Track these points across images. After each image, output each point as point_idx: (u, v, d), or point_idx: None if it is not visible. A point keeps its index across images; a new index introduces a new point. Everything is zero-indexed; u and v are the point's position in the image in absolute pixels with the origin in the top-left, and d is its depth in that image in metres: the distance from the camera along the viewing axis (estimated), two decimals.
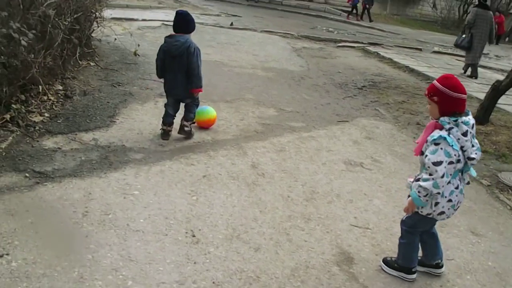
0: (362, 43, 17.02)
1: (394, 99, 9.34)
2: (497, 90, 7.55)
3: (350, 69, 12.29)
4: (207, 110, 6.33)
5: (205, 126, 6.30)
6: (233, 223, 4.09)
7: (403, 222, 3.60)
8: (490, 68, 15.69)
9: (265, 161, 5.48)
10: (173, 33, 5.54)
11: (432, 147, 3.16)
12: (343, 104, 8.60)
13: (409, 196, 3.36)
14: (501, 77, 13.02)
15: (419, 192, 3.23)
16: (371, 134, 6.98)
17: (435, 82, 3.25)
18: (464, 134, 3.15)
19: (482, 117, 7.69)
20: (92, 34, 9.07)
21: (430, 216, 3.36)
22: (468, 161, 3.24)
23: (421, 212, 3.36)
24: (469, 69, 13.12)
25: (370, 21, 27.52)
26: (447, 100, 3.16)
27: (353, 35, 20.28)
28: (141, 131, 5.87)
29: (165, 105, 5.80)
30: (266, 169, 5.28)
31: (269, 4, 29.36)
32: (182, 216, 4.07)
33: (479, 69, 13.37)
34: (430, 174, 3.16)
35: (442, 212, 3.34)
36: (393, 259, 3.73)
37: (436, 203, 3.29)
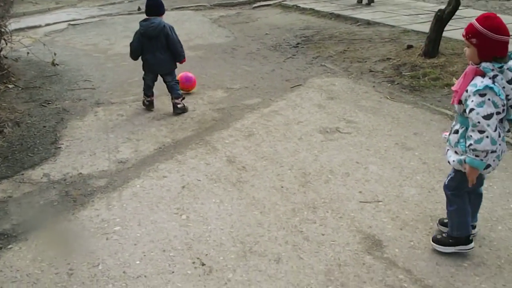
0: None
1: (334, 50, 8.99)
2: (441, 20, 7.30)
3: (276, 28, 11.85)
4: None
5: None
6: (239, 236, 3.61)
7: (446, 187, 3.22)
8: None
9: (239, 152, 5.00)
10: (147, 17, 5.98)
11: (477, 99, 2.75)
12: (287, 67, 8.18)
13: (464, 161, 2.94)
14: (425, 4, 13.00)
15: (477, 156, 2.82)
16: (330, 93, 6.60)
17: (474, 22, 2.80)
18: (510, 81, 2.78)
19: (432, 50, 7.47)
20: (2, 53, 8.15)
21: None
22: (510, 109, 2.88)
23: (465, 169, 2.96)
24: None
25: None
26: (487, 43, 2.73)
27: None
28: (92, 151, 5.25)
29: (144, 79, 6.27)
30: (245, 160, 4.80)
31: None
32: (180, 243, 3.55)
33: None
34: (482, 131, 2.76)
35: (489, 165, 2.95)
36: (443, 234, 3.34)
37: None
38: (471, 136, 2.83)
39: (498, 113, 2.77)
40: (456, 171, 3.08)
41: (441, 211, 3.74)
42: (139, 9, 16.13)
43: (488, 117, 2.73)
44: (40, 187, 4.52)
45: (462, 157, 2.95)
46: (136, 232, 3.69)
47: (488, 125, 2.73)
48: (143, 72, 6.27)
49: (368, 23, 11.24)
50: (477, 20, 2.79)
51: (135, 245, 3.54)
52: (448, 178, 3.20)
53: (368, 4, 13.64)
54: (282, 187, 4.26)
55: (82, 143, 5.44)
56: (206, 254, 3.41)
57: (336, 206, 3.92)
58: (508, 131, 3.06)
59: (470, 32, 2.79)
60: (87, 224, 3.85)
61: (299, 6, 14.17)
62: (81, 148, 5.32)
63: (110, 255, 3.44)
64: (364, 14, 12.26)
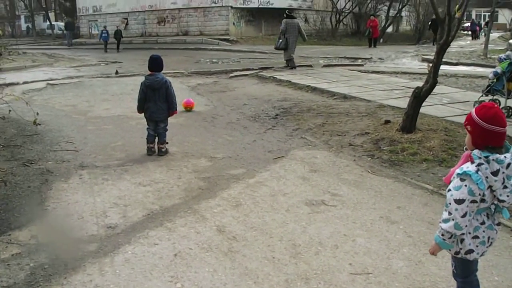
0: (253, 69, 17.02)
1: (313, 123, 9.26)
2: (419, 97, 7.65)
3: (254, 98, 12.16)
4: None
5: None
6: None
7: (455, 275, 3.32)
8: (383, 72, 16.21)
9: (228, 222, 5.08)
10: (150, 72, 7.18)
11: (457, 182, 2.90)
12: (268, 138, 8.38)
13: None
14: (399, 80, 13.52)
15: (442, 235, 2.98)
16: (313, 166, 6.78)
17: (472, 110, 2.99)
18: (495, 173, 2.85)
19: (409, 125, 7.76)
20: None
21: (459, 256, 3.11)
22: (499, 203, 2.97)
23: (451, 252, 3.11)
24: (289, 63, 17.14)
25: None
26: (479, 131, 2.89)
27: (238, 62, 20.31)
28: (80, 215, 5.26)
29: (147, 129, 7.34)
30: (234, 230, 4.88)
31: (144, 44, 28.99)
32: None
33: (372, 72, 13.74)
34: (450, 213, 2.91)
35: (471, 250, 3.06)
36: None
37: (462, 240, 3.03)
38: (443, 214, 2.99)
39: (474, 201, 2.86)
40: (454, 259, 3.19)
41: (429, 283, 3.88)
42: (116, 72, 16.41)
43: (459, 201, 2.85)
44: (28, 249, 4.50)
45: (435, 235, 3.07)
46: None
47: (456, 209, 2.86)
48: (146, 123, 7.38)
49: (345, 97, 11.63)
50: (475, 108, 2.98)
51: None
52: (453, 267, 3.29)
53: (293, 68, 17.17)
54: (273, 257, 4.34)
55: (69, 206, 5.46)
56: None
57: (328, 277, 4.02)
58: (498, 224, 3.15)
59: (467, 119, 2.98)
60: None
61: (276, 78, 14.60)
62: (68, 211, 5.33)
63: None
64: (340, 88, 12.68)
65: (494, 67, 15.75)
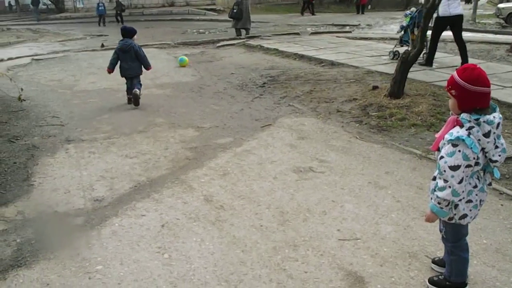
0: (240, 38, 16.84)
1: (301, 90, 9.19)
2: (406, 62, 7.59)
3: (241, 67, 12.06)
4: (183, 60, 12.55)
5: None
6: (223, 274, 3.63)
7: (444, 239, 3.30)
8: (371, 38, 16.08)
9: (216, 191, 5.03)
10: (122, 38, 8.74)
11: (449, 148, 2.84)
12: (256, 107, 8.31)
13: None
14: (387, 46, 13.41)
15: (439, 203, 2.94)
16: (301, 133, 6.73)
17: (454, 73, 2.89)
18: (486, 134, 2.80)
19: (397, 91, 7.72)
20: None
21: (453, 221, 3.08)
22: (490, 163, 2.93)
23: (444, 218, 3.08)
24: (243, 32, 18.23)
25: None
26: (466, 94, 2.81)
27: (225, 32, 20.13)
28: (67, 189, 5.20)
29: (126, 83, 8.86)
30: (222, 200, 4.84)
31: (130, 16, 28.51)
32: (165, 282, 3.55)
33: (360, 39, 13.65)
34: (446, 180, 2.86)
35: (465, 215, 3.04)
36: (440, 276, 3.42)
37: (456, 205, 3.00)
38: (437, 182, 2.94)
39: (469, 165, 2.83)
40: (446, 224, 3.16)
41: (418, 247, 3.87)
42: (102, 45, 16.20)
43: (454, 168, 2.81)
44: (15, 225, 4.45)
45: (430, 204, 3.04)
46: (119, 271, 3.67)
47: (452, 176, 2.81)
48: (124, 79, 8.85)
49: (332, 63, 11.55)
50: (457, 71, 2.89)
51: (119, 284, 3.52)
52: (442, 232, 3.27)
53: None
54: (261, 226, 4.31)
55: (55, 181, 5.40)
56: None
57: (316, 244, 4.00)
58: (490, 184, 3.14)
59: (450, 83, 2.88)
60: (67, 263, 3.81)
61: (263, 46, 14.47)
62: (55, 186, 5.27)
63: None
64: (328, 55, 12.58)
65: (483, 31, 16.06)
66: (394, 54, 11.86)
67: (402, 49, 10.47)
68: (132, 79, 8.73)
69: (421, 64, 10.87)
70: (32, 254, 3.98)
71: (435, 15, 10.01)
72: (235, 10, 17.96)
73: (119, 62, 8.74)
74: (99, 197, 4.99)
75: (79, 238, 4.20)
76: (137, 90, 8.58)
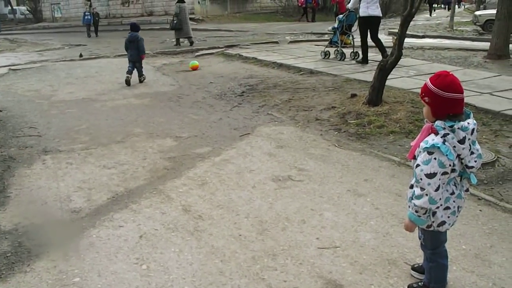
0: (219, 47, 16.86)
1: (280, 99, 9.20)
2: (384, 70, 7.63)
3: (220, 77, 12.05)
4: (194, 62, 13.73)
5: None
6: (202, 285, 3.59)
7: (423, 246, 3.30)
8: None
9: (194, 201, 5.00)
10: (130, 31, 11.71)
11: (425, 156, 2.84)
12: (234, 116, 8.30)
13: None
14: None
15: (416, 211, 2.94)
16: (279, 142, 6.73)
17: (427, 81, 2.89)
18: (461, 141, 2.80)
19: (375, 98, 7.76)
20: None
21: (431, 229, 3.09)
22: (467, 169, 2.93)
23: (422, 226, 3.08)
24: (187, 40, 19.17)
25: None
26: (439, 101, 2.81)
27: (205, 41, 20.12)
28: (44, 200, 5.13)
29: (128, 66, 11.66)
30: (200, 209, 4.81)
31: (109, 26, 28.37)
32: None
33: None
34: (422, 188, 2.86)
35: (443, 222, 3.04)
36: (420, 283, 3.42)
37: (434, 213, 3.00)
38: (414, 190, 2.94)
39: (445, 173, 2.83)
40: (424, 232, 3.16)
41: (397, 254, 3.87)
42: (81, 55, 16.08)
43: (430, 176, 2.81)
44: None
45: (408, 213, 3.04)
46: (96, 284, 3.62)
47: (429, 184, 2.82)
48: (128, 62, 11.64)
49: (311, 72, 11.59)
50: (430, 78, 2.89)
51: None
52: (421, 239, 3.27)
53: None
54: (240, 235, 4.29)
55: (32, 193, 5.33)
56: None
57: (295, 253, 3.98)
58: (467, 190, 3.15)
59: (424, 91, 2.89)
60: (44, 276, 3.75)
61: (242, 55, 14.48)
62: (32, 198, 5.20)
63: None
64: (307, 63, 12.62)
65: (460, 39, 16.43)
66: (325, 54, 13.63)
67: (332, 49, 13.53)
68: (134, 63, 11.66)
69: (358, 62, 12.71)
70: (8, 267, 3.91)
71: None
72: (175, 21, 18.67)
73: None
74: (76, 209, 4.92)
75: (56, 250, 4.13)
76: (141, 76, 11.97)
